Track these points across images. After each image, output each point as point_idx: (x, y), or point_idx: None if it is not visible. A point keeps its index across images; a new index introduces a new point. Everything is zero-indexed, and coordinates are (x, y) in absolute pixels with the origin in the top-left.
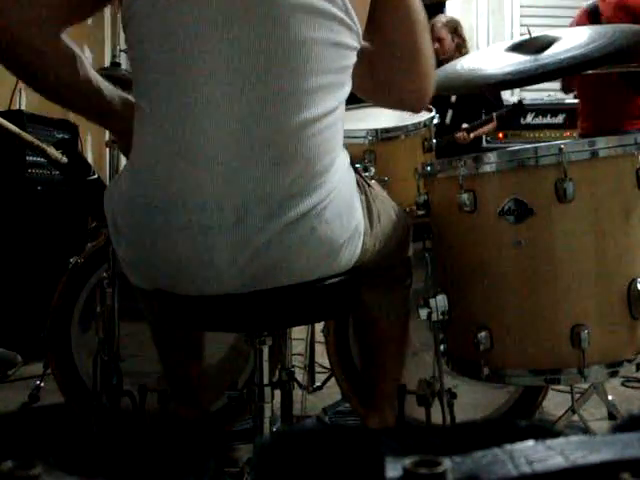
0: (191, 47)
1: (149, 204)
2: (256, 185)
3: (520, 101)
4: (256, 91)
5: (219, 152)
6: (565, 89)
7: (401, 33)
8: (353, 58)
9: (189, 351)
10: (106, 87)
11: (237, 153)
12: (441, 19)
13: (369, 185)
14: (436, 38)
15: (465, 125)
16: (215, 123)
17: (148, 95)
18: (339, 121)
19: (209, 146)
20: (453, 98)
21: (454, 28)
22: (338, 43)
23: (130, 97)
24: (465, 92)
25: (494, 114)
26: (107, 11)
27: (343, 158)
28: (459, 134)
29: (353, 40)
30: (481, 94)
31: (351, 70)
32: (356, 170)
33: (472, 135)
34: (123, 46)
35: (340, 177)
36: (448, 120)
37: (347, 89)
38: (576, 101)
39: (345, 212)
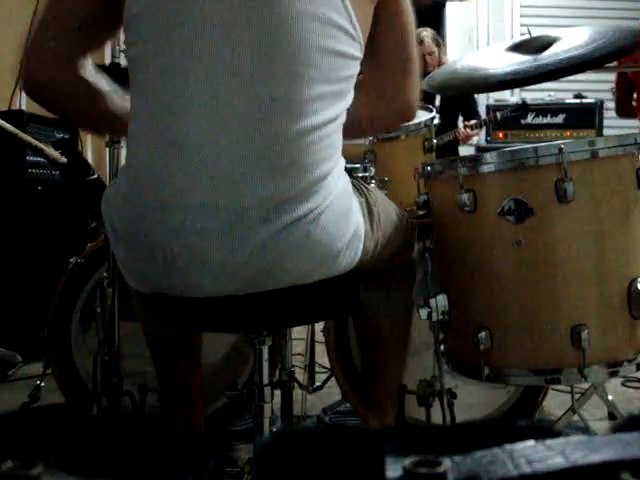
0: (191, 48)
1: (145, 204)
2: (252, 188)
3: (524, 101)
4: (255, 96)
5: (216, 154)
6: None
7: (397, 47)
8: (356, 68)
9: (187, 360)
10: None
11: (234, 156)
12: (428, 33)
13: (368, 189)
14: (428, 52)
15: (472, 122)
16: (213, 125)
17: (145, 95)
18: (340, 129)
19: (206, 148)
20: (437, 101)
21: (438, 42)
22: (341, 52)
23: None
24: (464, 93)
25: (483, 119)
26: None
27: (341, 164)
28: (463, 131)
29: (356, 50)
30: (460, 97)
31: (354, 80)
32: (354, 174)
33: (470, 133)
34: (123, 46)
35: (337, 183)
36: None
37: (349, 98)
38: (576, 101)
39: (342, 217)
